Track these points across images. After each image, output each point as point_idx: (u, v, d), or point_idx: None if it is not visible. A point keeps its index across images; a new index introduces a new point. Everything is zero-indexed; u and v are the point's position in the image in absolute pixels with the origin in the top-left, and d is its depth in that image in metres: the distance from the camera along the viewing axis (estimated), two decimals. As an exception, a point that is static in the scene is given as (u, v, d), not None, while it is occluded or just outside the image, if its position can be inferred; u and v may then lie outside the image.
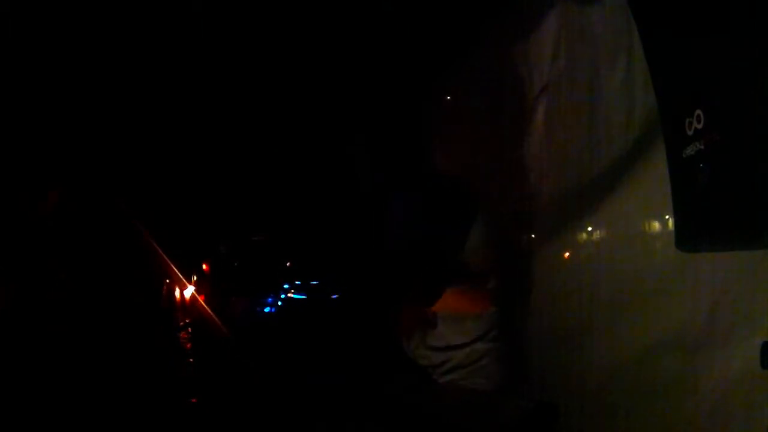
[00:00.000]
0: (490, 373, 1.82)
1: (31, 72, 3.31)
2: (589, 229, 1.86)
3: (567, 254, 1.99)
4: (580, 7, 1.91)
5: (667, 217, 1.40)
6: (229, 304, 8.22)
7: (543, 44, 2.11)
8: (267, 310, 8.99)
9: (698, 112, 0.95)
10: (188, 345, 6.22)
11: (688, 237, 1.08)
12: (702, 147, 0.95)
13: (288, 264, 9.22)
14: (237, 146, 4.99)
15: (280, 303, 9.02)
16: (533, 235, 2.15)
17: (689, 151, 0.98)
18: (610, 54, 1.74)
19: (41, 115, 3.92)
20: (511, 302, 1.90)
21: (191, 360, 5.38)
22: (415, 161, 1.88)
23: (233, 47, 3.10)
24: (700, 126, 0.94)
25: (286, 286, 8.88)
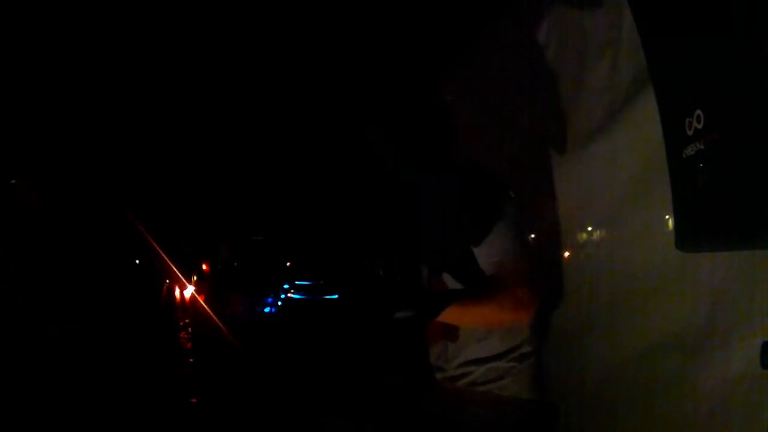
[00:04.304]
0: (511, 394, 1.65)
1: (32, 72, 3.31)
2: (589, 228, 1.86)
3: (566, 254, 1.98)
4: (572, 3, 1.92)
5: (666, 217, 1.40)
6: (229, 304, 8.24)
7: (536, 40, 2.12)
8: (267, 310, 9.01)
9: (698, 112, 0.95)
10: (188, 345, 6.23)
11: (688, 237, 1.08)
12: (702, 147, 0.95)
13: (288, 264, 9.22)
14: (238, 147, 5.00)
15: (280, 303, 9.02)
16: (532, 235, 2.15)
17: (689, 151, 0.98)
18: (597, 49, 1.75)
19: (43, 116, 3.92)
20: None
21: (191, 360, 5.39)
22: (435, 154, 1.73)
23: (236, 46, 3.09)
24: (700, 126, 0.95)
25: (286, 286, 8.89)
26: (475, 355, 1.68)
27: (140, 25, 2.86)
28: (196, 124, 4.35)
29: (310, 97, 3.65)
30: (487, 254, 1.56)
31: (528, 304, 1.54)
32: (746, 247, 1.08)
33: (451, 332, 1.68)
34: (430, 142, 1.70)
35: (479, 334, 1.67)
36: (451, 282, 1.66)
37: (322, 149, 4.61)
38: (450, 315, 1.50)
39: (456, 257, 1.62)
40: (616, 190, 1.70)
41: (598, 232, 1.81)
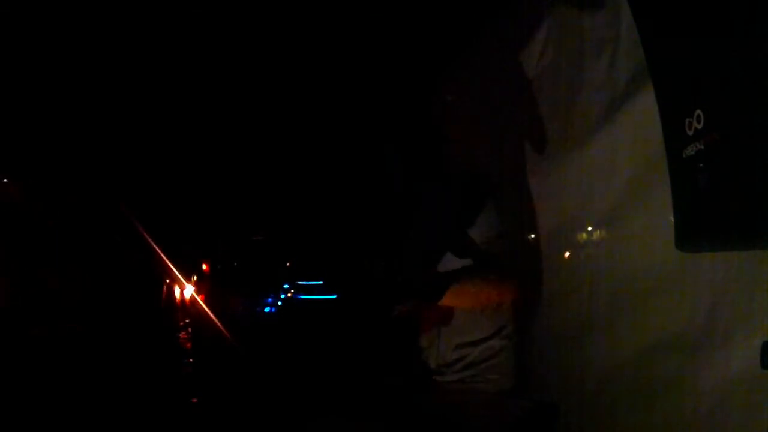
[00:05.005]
0: (503, 371, 1.78)
1: (32, 72, 3.31)
2: (589, 228, 1.86)
3: (566, 254, 1.98)
4: (571, 3, 1.92)
5: (667, 217, 1.40)
6: (229, 304, 8.24)
7: (534, 40, 2.13)
8: (267, 310, 9.01)
9: (698, 112, 0.95)
10: (188, 345, 6.22)
11: (688, 237, 1.08)
12: (702, 147, 0.95)
13: (288, 264, 9.21)
14: (237, 147, 4.99)
15: (280, 303, 9.01)
16: (533, 234, 2.15)
17: (689, 151, 0.98)
18: (596, 48, 1.75)
19: (43, 115, 3.92)
20: (524, 297, 1.88)
21: (191, 360, 5.39)
22: (430, 156, 1.84)
23: (234, 48, 3.09)
24: (700, 126, 0.94)
25: (286, 286, 8.89)
26: (470, 338, 1.79)
27: (140, 24, 2.86)
28: (197, 124, 4.35)
29: (310, 97, 3.65)
30: (476, 238, 1.73)
31: (512, 284, 1.74)
32: (746, 247, 1.08)
33: (445, 315, 1.76)
34: (427, 146, 1.77)
35: (470, 317, 1.77)
36: (444, 266, 1.76)
37: (322, 149, 4.62)
38: (447, 297, 1.64)
39: (452, 246, 1.74)
40: (616, 190, 1.70)
41: (598, 232, 1.81)
